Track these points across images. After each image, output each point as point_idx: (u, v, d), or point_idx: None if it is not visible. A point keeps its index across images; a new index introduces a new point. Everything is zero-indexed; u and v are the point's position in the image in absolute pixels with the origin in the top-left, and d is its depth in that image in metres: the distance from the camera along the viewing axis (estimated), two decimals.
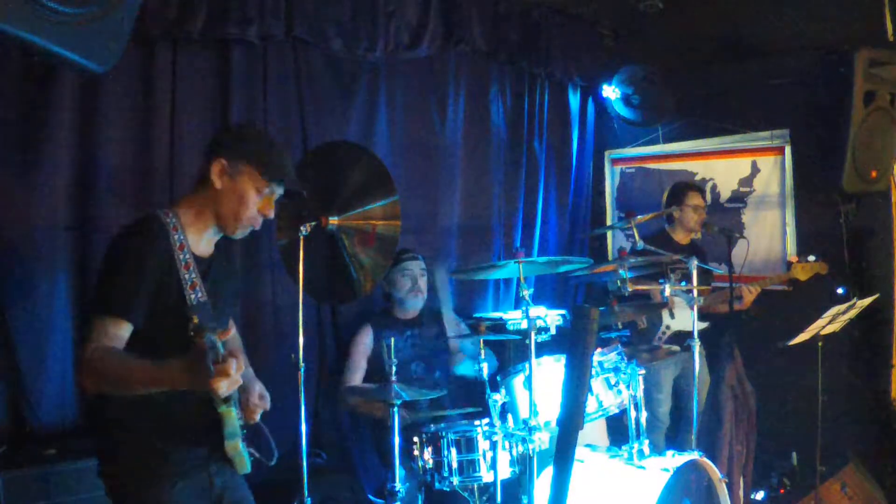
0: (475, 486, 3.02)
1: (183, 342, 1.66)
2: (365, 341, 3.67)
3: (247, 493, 2.24)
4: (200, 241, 2.12)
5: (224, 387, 1.63)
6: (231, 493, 2.14)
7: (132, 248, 1.96)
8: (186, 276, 1.98)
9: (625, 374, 3.09)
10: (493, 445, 2.95)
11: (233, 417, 1.94)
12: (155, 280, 1.95)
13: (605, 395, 3.04)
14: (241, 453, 2.01)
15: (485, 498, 3.04)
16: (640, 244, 3.57)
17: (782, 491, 4.07)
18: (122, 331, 1.90)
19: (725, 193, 4.91)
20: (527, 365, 2.87)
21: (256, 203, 2.11)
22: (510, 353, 4.00)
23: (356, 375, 3.62)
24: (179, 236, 2.01)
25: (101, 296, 1.93)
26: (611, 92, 5.00)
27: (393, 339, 2.93)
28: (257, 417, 2.12)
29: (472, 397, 3.88)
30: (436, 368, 3.77)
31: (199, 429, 2.00)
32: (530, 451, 2.79)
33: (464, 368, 3.79)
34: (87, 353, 1.85)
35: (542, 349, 3.06)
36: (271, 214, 2.16)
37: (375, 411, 3.51)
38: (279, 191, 2.17)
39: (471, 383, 3.84)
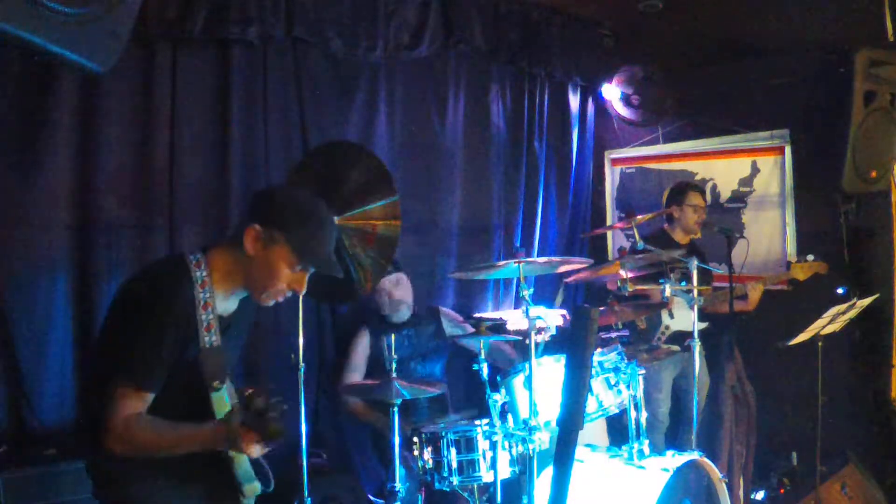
0: (475, 486, 3.03)
1: (193, 395, 1.85)
2: (363, 343, 3.68)
3: None
4: (227, 299, 2.01)
5: (257, 451, 1.80)
6: None
7: (156, 307, 1.83)
8: (206, 339, 1.88)
9: (625, 374, 3.09)
10: (493, 445, 2.95)
11: (243, 459, 1.93)
12: (177, 342, 1.85)
13: (605, 395, 3.04)
14: (257, 489, 1.99)
15: (485, 498, 3.04)
16: (640, 244, 3.57)
17: (782, 491, 4.07)
18: (146, 401, 1.83)
19: (725, 193, 4.90)
20: (527, 365, 2.87)
21: (287, 277, 1.96)
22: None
23: (355, 375, 3.62)
24: (206, 294, 1.89)
25: (123, 364, 1.82)
26: (611, 92, 5.00)
27: (393, 336, 2.94)
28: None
29: (472, 398, 3.88)
30: (435, 365, 3.77)
31: (201, 477, 1.96)
32: (530, 451, 2.79)
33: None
34: (115, 424, 1.77)
35: (542, 349, 3.06)
36: (302, 291, 2.01)
37: (375, 421, 3.52)
38: (312, 269, 2.01)
39: (470, 384, 3.84)
